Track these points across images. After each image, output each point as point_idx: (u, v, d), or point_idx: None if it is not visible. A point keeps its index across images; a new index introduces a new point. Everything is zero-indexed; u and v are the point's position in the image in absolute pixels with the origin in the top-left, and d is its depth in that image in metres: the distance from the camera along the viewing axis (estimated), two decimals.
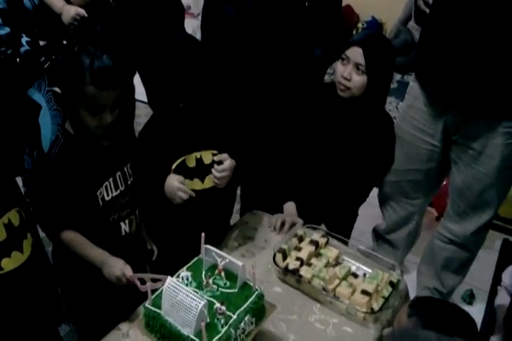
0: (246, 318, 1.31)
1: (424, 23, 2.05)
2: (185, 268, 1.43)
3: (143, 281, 1.41)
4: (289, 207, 1.96)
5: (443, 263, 2.26)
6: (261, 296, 1.37)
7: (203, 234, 1.40)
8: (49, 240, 1.64)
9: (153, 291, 1.35)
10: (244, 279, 1.39)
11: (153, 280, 1.38)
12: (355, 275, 1.66)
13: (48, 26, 2.05)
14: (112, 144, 1.56)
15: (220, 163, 1.65)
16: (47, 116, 2.07)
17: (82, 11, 1.98)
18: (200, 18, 2.23)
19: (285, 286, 1.67)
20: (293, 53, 2.03)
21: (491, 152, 1.90)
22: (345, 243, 1.84)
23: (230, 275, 1.40)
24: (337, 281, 1.61)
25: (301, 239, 1.76)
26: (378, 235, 2.50)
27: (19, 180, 2.03)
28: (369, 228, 2.57)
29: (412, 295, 1.78)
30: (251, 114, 2.06)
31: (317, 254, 1.72)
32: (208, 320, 1.27)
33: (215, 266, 1.42)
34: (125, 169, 1.61)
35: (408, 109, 2.11)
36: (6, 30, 1.95)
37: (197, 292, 1.31)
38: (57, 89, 1.44)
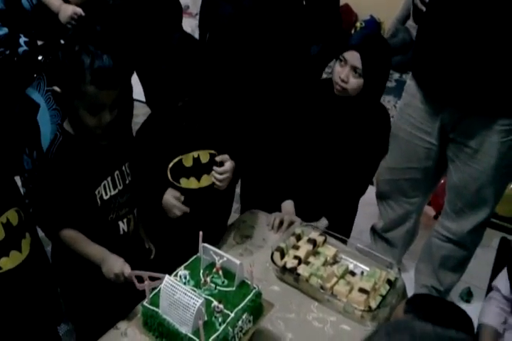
0: (244, 316, 1.31)
1: (421, 22, 2.05)
2: (183, 266, 1.44)
3: (141, 279, 1.41)
4: (287, 205, 1.96)
5: (440, 262, 2.27)
6: (259, 294, 1.37)
7: (200, 233, 1.40)
8: (48, 239, 1.64)
9: (151, 290, 1.35)
10: (242, 277, 1.40)
11: (152, 279, 1.39)
12: (353, 274, 1.66)
13: (46, 26, 2.05)
14: (110, 143, 1.57)
15: (220, 164, 1.65)
16: (46, 116, 2.07)
17: (79, 10, 1.99)
18: (198, 17, 2.23)
19: (283, 285, 1.67)
20: (289, 51, 2.03)
21: (487, 150, 1.91)
22: (343, 241, 1.85)
23: (228, 274, 1.40)
24: (335, 279, 1.61)
25: (299, 238, 1.77)
26: (376, 233, 2.50)
27: (18, 181, 2.03)
28: (367, 226, 2.58)
29: (409, 294, 1.78)
30: (248, 113, 2.06)
31: (315, 253, 1.73)
32: (206, 319, 1.27)
33: (212, 265, 1.42)
34: (123, 168, 1.62)
35: (405, 107, 2.11)
36: (4, 30, 1.95)
37: (195, 290, 1.31)
38: (56, 88, 1.44)
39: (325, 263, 1.67)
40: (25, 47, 1.96)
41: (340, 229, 1.90)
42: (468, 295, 2.51)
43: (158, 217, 1.71)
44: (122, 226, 1.65)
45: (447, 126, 1.97)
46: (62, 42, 1.99)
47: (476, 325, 1.55)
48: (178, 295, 1.25)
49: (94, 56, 1.38)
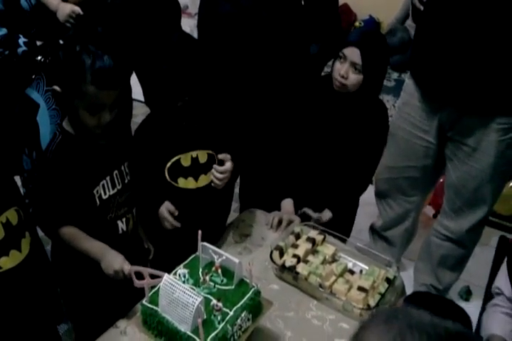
0: (243, 315, 1.32)
1: (419, 21, 2.06)
2: (182, 265, 1.44)
3: (140, 276, 1.41)
4: (287, 204, 1.97)
5: (439, 260, 2.27)
6: (257, 293, 1.38)
7: (199, 232, 1.41)
8: (48, 238, 1.65)
9: (150, 288, 1.36)
10: (241, 276, 1.40)
11: (152, 277, 1.39)
12: (352, 272, 1.66)
13: (45, 26, 2.06)
14: (109, 143, 1.57)
15: (221, 162, 1.66)
16: (45, 116, 2.08)
17: (77, 9, 1.99)
18: (197, 17, 2.23)
19: (282, 283, 1.67)
20: (288, 50, 2.04)
21: (485, 148, 1.92)
22: (342, 240, 1.85)
23: (227, 273, 1.41)
24: (333, 278, 1.61)
25: (298, 237, 1.77)
26: (375, 232, 2.51)
27: (18, 181, 2.04)
28: (367, 226, 2.58)
29: (408, 292, 1.78)
30: (248, 112, 2.07)
31: (314, 251, 1.73)
32: (205, 317, 1.28)
33: (211, 263, 1.43)
34: (122, 168, 1.62)
35: (404, 106, 2.12)
36: (3, 31, 1.96)
37: (194, 289, 1.31)
38: (57, 88, 1.45)
39: (324, 262, 1.67)
40: (24, 48, 1.97)
41: (341, 227, 1.90)
42: (467, 294, 2.52)
43: (156, 217, 1.72)
44: (121, 225, 1.65)
45: (445, 124, 1.98)
46: (61, 42, 2.01)
47: (473, 324, 1.56)
48: (177, 294, 1.25)
49: (95, 56, 1.38)
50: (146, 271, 1.40)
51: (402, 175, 2.21)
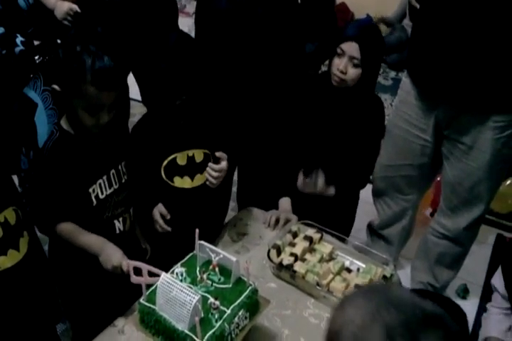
0: (240, 313, 1.32)
1: (416, 19, 2.07)
2: (179, 264, 1.44)
3: (138, 273, 1.41)
4: (284, 203, 1.97)
5: (436, 258, 2.28)
6: (255, 291, 1.38)
7: (197, 230, 1.41)
8: (44, 236, 1.65)
9: (148, 287, 1.36)
10: (238, 274, 1.41)
11: (150, 275, 1.39)
12: (349, 270, 1.67)
13: (43, 25, 2.06)
14: (106, 142, 1.57)
15: (216, 161, 1.66)
16: (43, 116, 2.08)
17: (75, 7, 2.00)
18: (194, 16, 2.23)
19: (279, 282, 1.68)
20: (284, 48, 2.04)
21: (481, 146, 1.92)
22: (340, 238, 1.85)
23: (224, 271, 1.41)
24: (331, 276, 1.62)
25: (295, 235, 1.77)
26: (373, 231, 2.51)
27: (15, 180, 2.04)
28: (364, 224, 2.58)
29: None
30: (244, 110, 2.07)
31: (311, 250, 1.73)
32: (202, 315, 1.28)
33: (209, 262, 1.43)
34: (119, 167, 1.62)
35: (400, 104, 2.12)
36: (1, 30, 1.96)
37: (191, 287, 1.32)
38: (56, 87, 1.45)
39: (321, 260, 1.68)
40: (21, 47, 1.97)
41: (341, 225, 1.90)
42: (464, 292, 2.52)
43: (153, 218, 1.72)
44: (118, 225, 1.65)
45: (442, 122, 1.98)
46: (59, 41, 2.01)
47: (471, 322, 1.56)
48: (175, 292, 1.25)
49: (95, 57, 1.38)
50: (145, 267, 1.40)
51: (399, 174, 2.22)
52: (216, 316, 1.29)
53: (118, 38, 1.94)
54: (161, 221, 1.69)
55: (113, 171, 1.60)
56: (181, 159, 1.69)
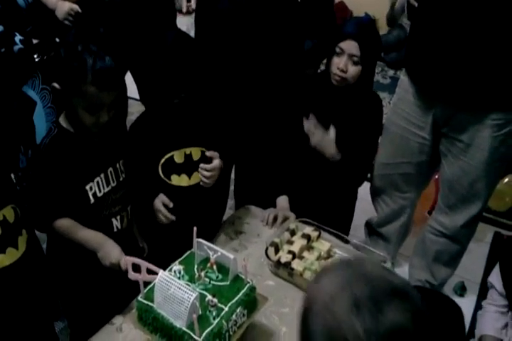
0: (238, 310, 1.32)
1: (414, 17, 2.07)
2: (177, 261, 1.45)
3: (136, 269, 1.42)
4: (282, 201, 1.97)
5: (434, 256, 2.28)
6: (253, 289, 1.39)
7: (195, 228, 1.41)
8: (43, 234, 1.65)
9: (145, 285, 1.37)
10: (236, 272, 1.41)
11: (148, 272, 1.39)
12: None
13: (42, 24, 2.06)
14: (104, 140, 1.57)
15: (208, 160, 1.67)
16: (41, 114, 2.08)
17: (75, 7, 2.00)
18: (193, 15, 2.23)
19: (277, 279, 1.68)
20: (283, 47, 2.04)
21: (479, 144, 1.93)
22: (338, 236, 1.85)
23: (222, 269, 1.41)
24: None
25: (293, 233, 1.78)
26: (371, 229, 2.52)
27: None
28: (362, 222, 2.59)
29: None
30: (243, 108, 2.07)
31: (309, 248, 1.73)
32: (200, 313, 1.28)
33: (207, 260, 1.43)
34: (117, 165, 1.63)
35: (398, 102, 2.13)
36: (0, 28, 1.96)
37: (189, 285, 1.32)
38: (56, 85, 1.45)
39: (319, 258, 1.68)
40: (20, 46, 1.97)
41: (340, 223, 1.90)
42: (461, 290, 2.53)
43: (151, 215, 1.72)
44: (116, 223, 1.65)
45: (440, 120, 1.99)
46: (57, 40, 2.01)
47: (468, 320, 1.57)
48: (173, 290, 1.26)
49: (96, 57, 1.39)
50: (144, 264, 1.40)
51: (397, 172, 2.22)
52: (214, 313, 1.29)
53: (118, 37, 1.96)
54: (164, 210, 1.67)
55: (111, 169, 1.60)
56: (179, 157, 1.70)
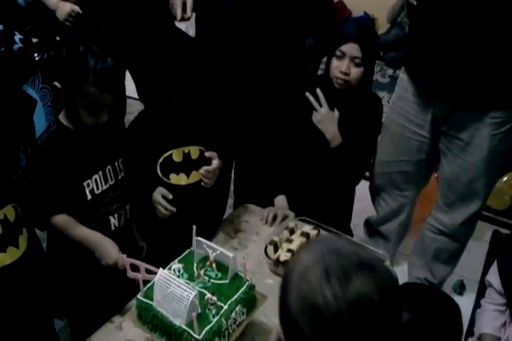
0: (237, 308, 1.33)
1: (413, 16, 2.07)
2: (176, 260, 1.45)
3: (135, 268, 1.42)
4: (280, 200, 1.98)
5: (433, 254, 2.29)
6: (252, 287, 1.39)
7: (194, 227, 1.42)
8: (43, 230, 1.65)
9: (145, 283, 1.37)
10: (236, 270, 1.41)
11: (147, 272, 1.40)
12: None
13: (41, 23, 2.06)
14: (102, 138, 1.58)
15: (209, 161, 1.67)
16: (41, 113, 2.08)
17: (76, 8, 2.00)
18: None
19: (277, 278, 1.68)
20: (285, 46, 2.04)
21: (478, 142, 1.93)
22: (337, 235, 1.85)
23: (221, 267, 1.42)
24: None
25: (292, 231, 1.78)
26: (370, 227, 2.52)
27: None
28: (362, 221, 2.59)
29: None
30: (242, 107, 2.07)
31: None
32: (200, 311, 1.29)
33: (206, 258, 1.44)
34: (116, 164, 1.63)
35: (398, 101, 2.13)
36: None
37: (188, 283, 1.32)
38: (57, 84, 1.46)
39: None
40: (20, 45, 1.97)
41: (338, 222, 1.90)
42: (461, 288, 2.53)
43: (150, 213, 1.73)
44: (113, 221, 1.66)
45: (439, 118, 1.99)
46: (58, 39, 2.01)
47: (467, 319, 1.57)
48: (172, 288, 1.26)
49: (98, 58, 1.39)
50: (142, 265, 1.41)
51: (396, 170, 2.22)
52: (213, 312, 1.30)
53: (118, 37, 1.96)
54: (163, 201, 1.66)
55: (109, 167, 1.61)
56: (177, 156, 1.70)
